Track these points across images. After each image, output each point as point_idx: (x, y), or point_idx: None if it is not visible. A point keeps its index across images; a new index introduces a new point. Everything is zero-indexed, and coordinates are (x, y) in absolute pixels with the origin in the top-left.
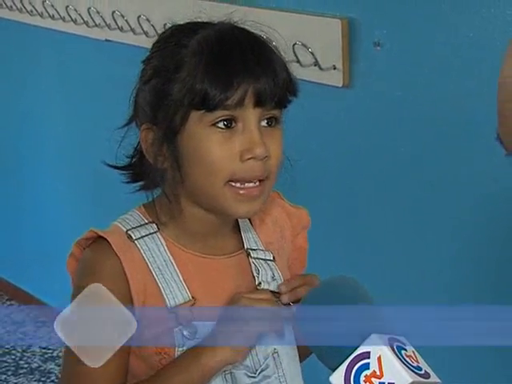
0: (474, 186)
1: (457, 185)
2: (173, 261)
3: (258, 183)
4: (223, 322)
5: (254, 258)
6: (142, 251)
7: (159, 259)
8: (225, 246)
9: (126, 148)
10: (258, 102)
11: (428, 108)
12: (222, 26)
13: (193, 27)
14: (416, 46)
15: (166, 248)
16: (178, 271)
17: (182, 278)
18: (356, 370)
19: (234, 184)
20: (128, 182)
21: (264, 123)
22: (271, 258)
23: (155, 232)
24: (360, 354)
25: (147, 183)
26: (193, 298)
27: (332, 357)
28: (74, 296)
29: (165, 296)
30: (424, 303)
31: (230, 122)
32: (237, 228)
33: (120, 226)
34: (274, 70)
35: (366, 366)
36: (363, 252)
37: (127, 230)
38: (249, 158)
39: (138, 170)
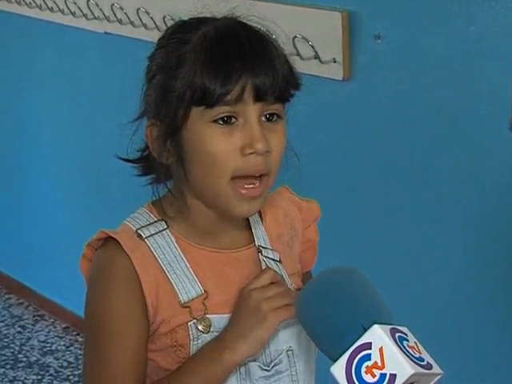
0: (475, 179)
1: (459, 177)
2: (183, 256)
3: (258, 184)
4: (239, 316)
5: (265, 257)
6: (152, 249)
7: (170, 256)
8: (234, 240)
9: (133, 142)
10: (258, 97)
11: (429, 101)
12: (224, 21)
13: (195, 23)
14: (417, 39)
15: (175, 244)
16: (189, 266)
17: (193, 273)
18: (357, 361)
19: (237, 181)
20: (140, 175)
21: (266, 119)
22: (278, 259)
23: (164, 229)
24: (361, 344)
25: (157, 177)
26: (205, 291)
27: (333, 347)
28: (87, 297)
29: (177, 291)
30: (430, 297)
31: (230, 118)
32: (246, 222)
33: (129, 225)
34: (273, 64)
35: (368, 357)
36: (368, 244)
37: (137, 229)
38: (250, 153)
39: (148, 163)
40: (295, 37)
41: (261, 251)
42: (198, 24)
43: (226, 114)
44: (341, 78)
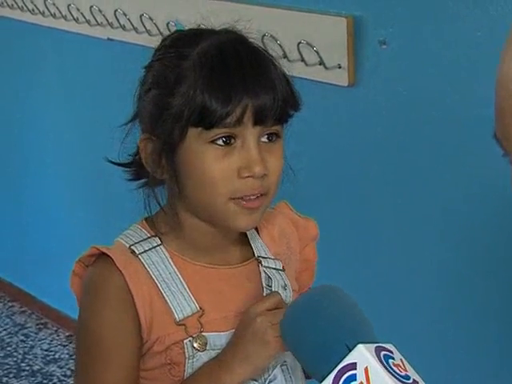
0: (486, 186)
1: (467, 185)
2: (178, 273)
3: (256, 197)
4: (242, 339)
5: (265, 267)
6: (146, 265)
7: (164, 272)
8: (230, 256)
9: (129, 146)
10: (258, 121)
11: (434, 107)
12: (224, 37)
13: (194, 37)
14: (422, 45)
15: (170, 260)
16: (184, 283)
17: (188, 290)
18: (343, 382)
19: (235, 200)
20: (131, 180)
21: (264, 139)
22: (281, 268)
23: (158, 245)
24: (346, 365)
25: (149, 181)
26: (201, 309)
27: (319, 368)
28: (80, 316)
29: (172, 309)
30: (427, 311)
31: (228, 139)
32: (243, 238)
33: (122, 241)
34: (273, 85)
35: (353, 378)
36: (370, 258)
37: (130, 246)
38: (247, 176)
39: (139, 168)
40: (300, 42)
41: (260, 262)
42: (197, 38)
43: (224, 135)
44: (346, 84)
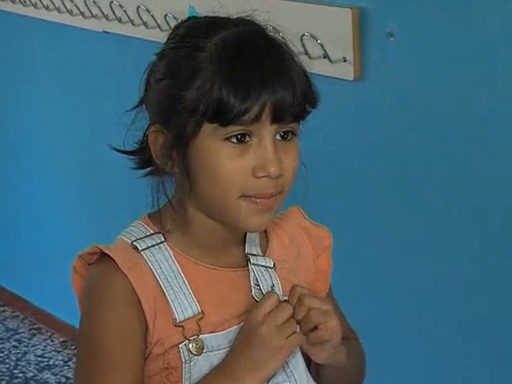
0: (492, 185)
1: (475, 184)
2: (181, 272)
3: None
4: (248, 347)
5: (254, 265)
6: (149, 262)
7: (167, 270)
8: (234, 259)
9: (131, 133)
10: (275, 119)
11: (442, 102)
12: (242, 28)
13: (210, 27)
14: (430, 38)
15: (173, 259)
16: (186, 283)
17: (191, 290)
18: None
19: (247, 198)
20: (136, 168)
21: (280, 136)
22: (271, 265)
23: (162, 242)
24: None
25: (155, 170)
26: (201, 311)
27: None
28: (83, 319)
29: (173, 309)
30: (432, 311)
31: (244, 137)
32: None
33: (124, 238)
34: (293, 83)
35: None
36: (380, 256)
37: (132, 241)
38: (262, 176)
39: (146, 156)
40: (303, 35)
41: (249, 259)
42: (214, 28)
43: (240, 132)
44: (351, 78)
